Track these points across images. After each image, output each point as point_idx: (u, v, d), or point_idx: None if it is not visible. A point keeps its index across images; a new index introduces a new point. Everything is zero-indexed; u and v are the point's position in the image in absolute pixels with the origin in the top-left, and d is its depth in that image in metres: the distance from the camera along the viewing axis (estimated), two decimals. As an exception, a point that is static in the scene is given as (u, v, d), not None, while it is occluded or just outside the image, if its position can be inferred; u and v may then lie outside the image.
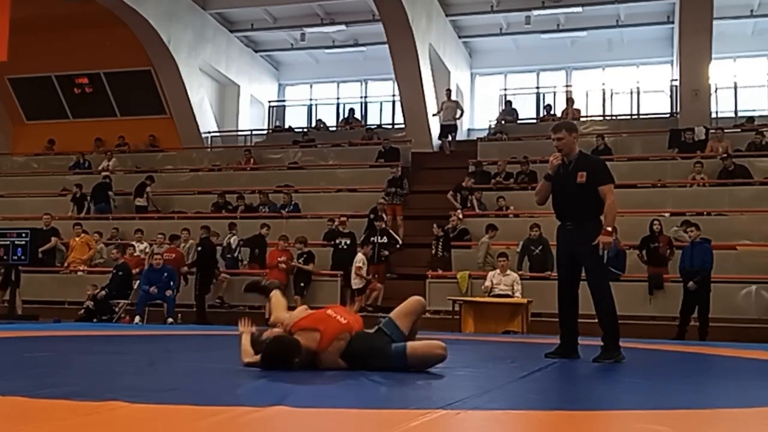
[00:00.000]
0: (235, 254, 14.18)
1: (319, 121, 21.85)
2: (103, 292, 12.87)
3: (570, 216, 5.88)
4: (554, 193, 5.96)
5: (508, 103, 20.19)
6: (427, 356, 4.51)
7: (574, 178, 5.76)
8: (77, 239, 14.75)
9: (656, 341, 9.81)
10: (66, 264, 14.60)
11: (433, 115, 18.52)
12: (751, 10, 18.88)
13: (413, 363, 4.45)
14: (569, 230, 5.88)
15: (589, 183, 5.73)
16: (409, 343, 4.53)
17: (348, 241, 13.61)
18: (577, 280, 5.94)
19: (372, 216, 14.32)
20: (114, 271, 13.27)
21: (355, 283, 12.99)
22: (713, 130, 16.18)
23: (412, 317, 4.70)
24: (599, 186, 5.73)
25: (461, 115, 18.71)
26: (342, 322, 4.49)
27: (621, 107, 20.49)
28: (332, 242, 13.83)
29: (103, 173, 18.25)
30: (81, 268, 14.42)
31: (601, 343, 5.81)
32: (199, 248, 13.42)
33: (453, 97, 19.01)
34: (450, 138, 18.46)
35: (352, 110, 21.62)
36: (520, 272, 12.10)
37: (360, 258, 13.02)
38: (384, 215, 14.23)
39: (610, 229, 5.72)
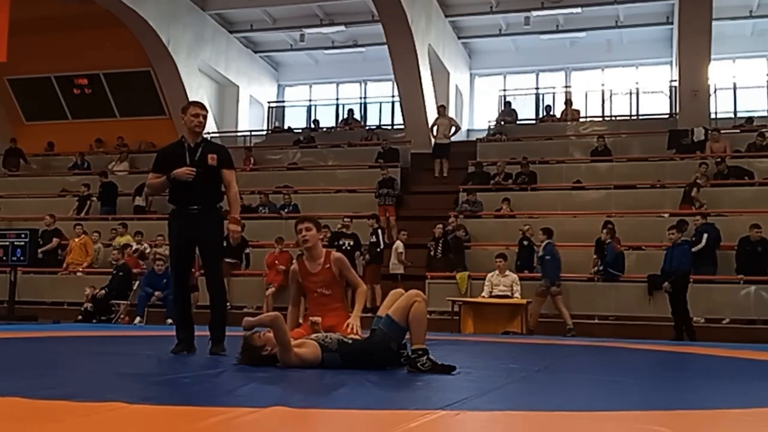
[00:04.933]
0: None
1: (314, 121, 21.82)
2: (103, 292, 12.85)
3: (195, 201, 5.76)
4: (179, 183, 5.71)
5: (508, 103, 20.18)
6: (410, 307, 4.53)
7: (205, 161, 5.71)
8: (76, 240, 14.72)
9: (655, 342, 9.82)
10: (65, 265, 14.58)
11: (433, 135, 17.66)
12: (750, 11, 18.89)
13: (404, 321, 4.52)
14: (194, 215, 5.74)
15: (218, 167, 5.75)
16: (389, 311, 4.59)
17: (351, 242, 13.56)
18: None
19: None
20: (114, 272, 13.25)
21: (397, 268, 13.53)
22: (712, 131, 16.17)
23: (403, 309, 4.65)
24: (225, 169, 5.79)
25: (455, 132, 17.74)
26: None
27: (620, 108, 20.49)
28: (335, 243, 13.78)
29: (115, 172, 18.25)
30: (80, 270, 14.40)
31: (210, 335, 5.86)
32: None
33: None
34: (443, 160, 17.29)
35: (351, 111, 21.59)
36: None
37: (399, 244, 13.72)
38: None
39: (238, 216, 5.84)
